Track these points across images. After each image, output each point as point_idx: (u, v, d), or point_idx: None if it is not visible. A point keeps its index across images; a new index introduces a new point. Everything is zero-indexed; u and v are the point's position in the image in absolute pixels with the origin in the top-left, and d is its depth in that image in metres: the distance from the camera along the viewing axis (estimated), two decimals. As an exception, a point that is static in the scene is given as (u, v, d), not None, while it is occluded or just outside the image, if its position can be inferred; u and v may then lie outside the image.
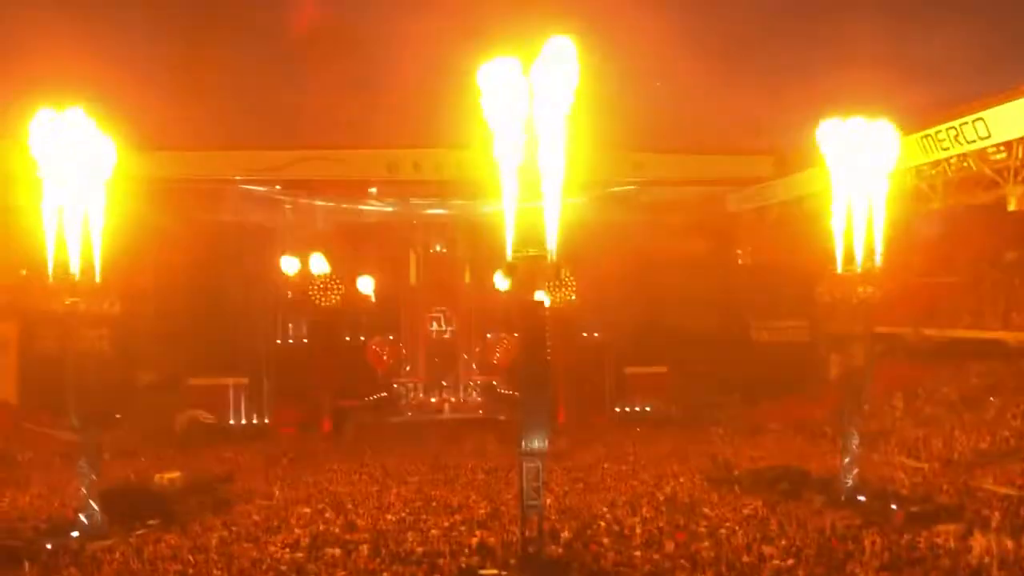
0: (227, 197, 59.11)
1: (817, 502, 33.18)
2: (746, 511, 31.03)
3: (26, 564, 25.78)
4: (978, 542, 24.73)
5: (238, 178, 58.28)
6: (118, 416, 43.06)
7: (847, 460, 34.19)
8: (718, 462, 42.36)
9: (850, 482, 34.01)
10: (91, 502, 31.42)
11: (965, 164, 43.94)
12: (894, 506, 31.44)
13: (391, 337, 64.14)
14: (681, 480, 37.81)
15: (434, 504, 33.99)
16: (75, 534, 30.67)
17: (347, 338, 63.17)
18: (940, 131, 42.11)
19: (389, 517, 31.45)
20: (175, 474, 37.17)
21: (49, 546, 29.10)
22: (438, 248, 65.20)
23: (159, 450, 47.11)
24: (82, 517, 31.22)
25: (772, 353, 60.42)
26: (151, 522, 31.95)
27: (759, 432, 51.20)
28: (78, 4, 57.05)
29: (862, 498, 33.37)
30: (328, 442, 53.26)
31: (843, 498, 33.69)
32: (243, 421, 58.78)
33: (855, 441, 34.25)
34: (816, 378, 53.40)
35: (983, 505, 29.47)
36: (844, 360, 34.72)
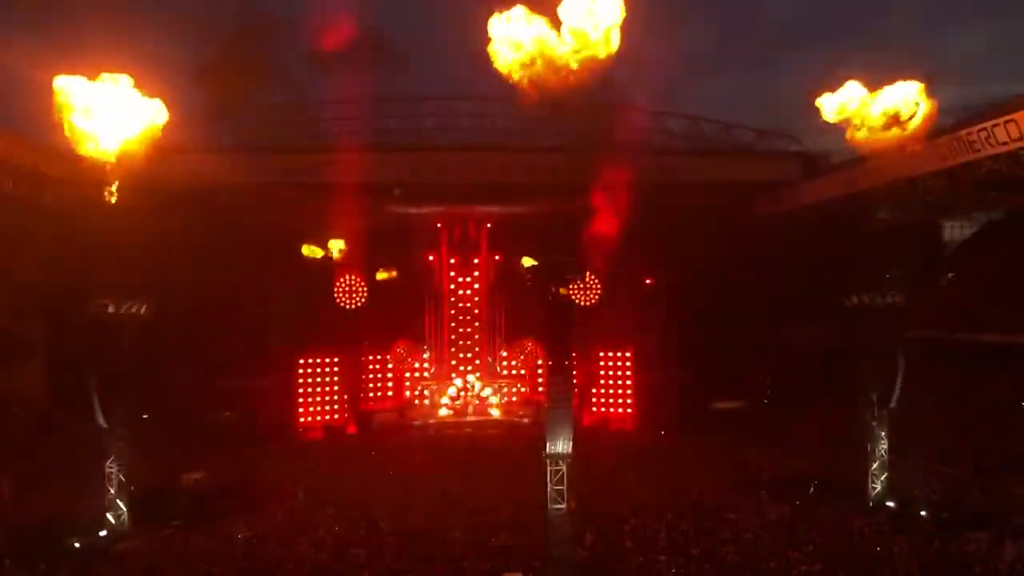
0: (254, 199, 59.40)
1: (845, 508, 32.84)
2: (772, 516, 30.78)
3: (55, 563, 26.01)
4: (1009, 550, 24.36)
5: (262, 180, 58.54)
6: (146, 416, 43.29)
7: (876, 465, 33.82)
8: (744, 467, 42.05)
9: (879, 488, 33.64)
10: (119, 502, 31.72)
11: (997, 167, 43.29)
12: (924, 512, 31.07)
13: (415, 340, 64.22)
14: (706, 485, 37.54)
15: (458, 506, 33.97)
16: (103, 533, 31.00)
17: (372, 340, 63.31)
18: (972, 132, 41.48)
19: (413, 519, 31.47)
20: (201, 474, 37.42)
21: (77, 545, 29.45)
22: (463, 250, 65.17)
23: (186, 450, 47.37)
24: (110, 516, 31.53)
25: (801, 357, 59.83)
26: (177, 522, 32.22)
27: (786, 437, 50.72)
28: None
29: (891, 504, 33.02)
30: (352, 444, 53.38)
31: (872, 504, 33.36)
32: (269, 423, 58.94)
33: (884, 446, 33.86)
34: (845, 382, 52.85)
35: (1015, 512, 29.01)
36: (874, 365, 34.31)
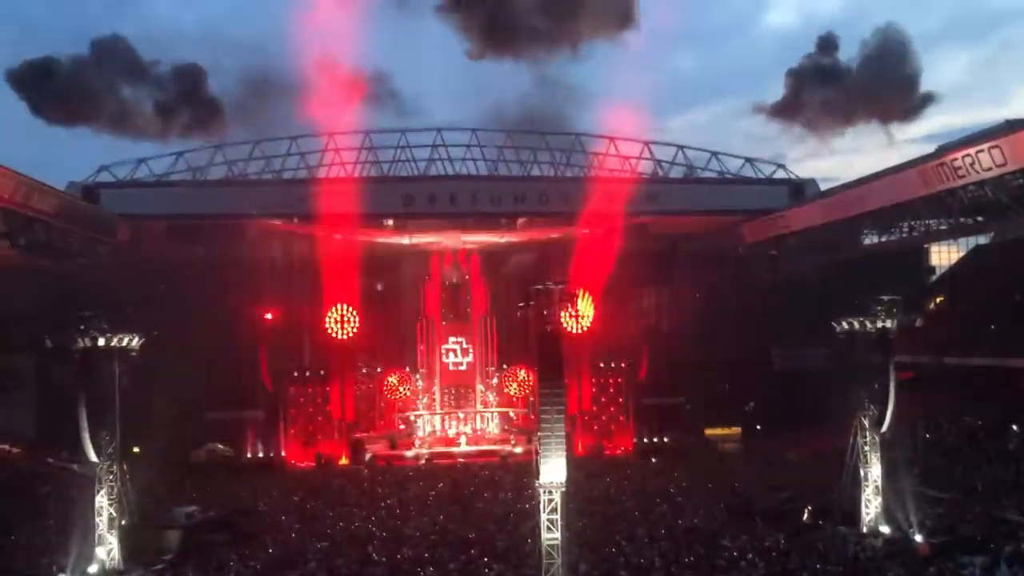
0: (245, 231, 59.60)
1: (839, 534, 32.76)
2: (767, 543, 30.65)
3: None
4: (1004, 574, 24.34)
5: (255, 212, 58.81)
6: (136, 450, 42.99)
7: (869, 490, 33.80)
8: (738, 493, 41.95)
9: (873, 513, 33.60)
10: (109, 536, 31.42)
11: (981, 192, 43.77)
12: (918, 537, 31.03)
13: (407, 369, 64.09)
14: (701, 512, 37.41)
15: (451, 537, 33.76)
16: (93, 569, 30.67)
17: (363, 370, 63.14)
18: (956, 159, 41.97)
19: (406, 551, 31.25)
20: (192, 508, 37.11)
21: (67, 581, 29.14)
22: (454, 279, 65.29)
23: (177, 483, 47.03)
24: (100, 552, 31.22)
25: (792, 382, 59.95)
26: (169, 556, 31.91)
27: (779, 462, 50.68)
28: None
29: (885, 529, 32.95)
30: (344, 475, 53.03)
31: (866, 529, 33.27)
32: (260, 454, 58.67)
33: (877, 471, 33.88)
34: (837, 407, 52.94)
35: (1009, 537, 28.98)
36: (865, 389, 34.41)
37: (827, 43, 65.08)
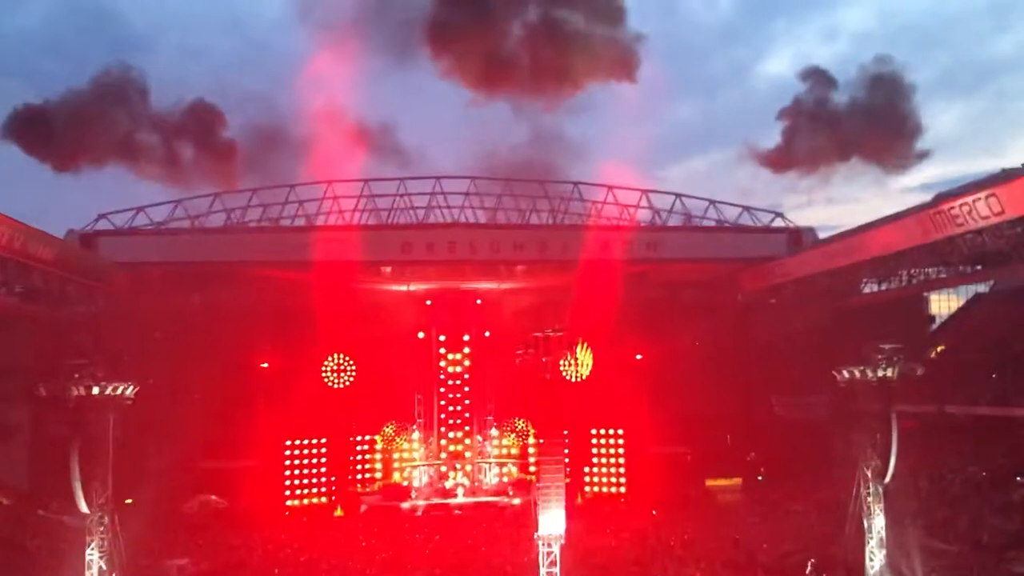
0: (243, 279, 59.51)
1: (844, 587, 32.22)
2: (771, 597, 30.11)
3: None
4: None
5: (253, 260, 58.82)
6: (128, 501, 42.41)
7: (873, 542, 33.29)
8: (740, 546, 41.36)
9: (877, 566, 33.04)
10: (99, 590, 30.84)
11: (980, 240, 43.79)
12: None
13: (404, 419, 63.49)
14: (702, 565, 36.82)
15: (449, 591, 33.18)
16: (81, 624, 30.04)
17: (360, 420, 62.58)
18: (954, 208, 42.04)
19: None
20: (185, 560, 36.51)
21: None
22: (453, 327, 64.99)
23: (170, 535, 46.33)
24: (90, 606, 30.60)
25: (793, 431, 59.52)
26: (159, 611, 31.30)
27: (781, 514, 50.04)
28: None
29: (891, 582, 32.41)
30: (340, 527, 52.29)
31: (871, 583, 32.72)
32: (254, 505, 57.87)
33: (881, 522, 33.39)
34: (839, 457, 52.46)
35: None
36: (867, 439, 34.05)
37: (820, 76, 65.37)
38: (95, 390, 31.14)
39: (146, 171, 62.96)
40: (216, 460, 58.08)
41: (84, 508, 31.05)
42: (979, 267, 50.41)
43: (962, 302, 62.97)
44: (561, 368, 27.69)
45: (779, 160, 66.93)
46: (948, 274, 51.46)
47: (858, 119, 61.42)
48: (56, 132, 58.50)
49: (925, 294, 61.87)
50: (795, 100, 65.33)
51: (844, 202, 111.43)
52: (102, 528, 31.22)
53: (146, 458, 56.02)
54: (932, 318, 65.55)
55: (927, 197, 46.07)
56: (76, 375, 31.09)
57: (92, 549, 30.97)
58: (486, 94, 63.03)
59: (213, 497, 56.53)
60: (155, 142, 61.19)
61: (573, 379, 57.91)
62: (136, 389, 32.37)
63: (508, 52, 60.68)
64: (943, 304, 64.55)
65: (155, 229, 60.56)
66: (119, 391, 31.74)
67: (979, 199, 40.55)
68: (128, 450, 33.67)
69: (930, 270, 52.15)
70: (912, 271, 53.18)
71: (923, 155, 63.34)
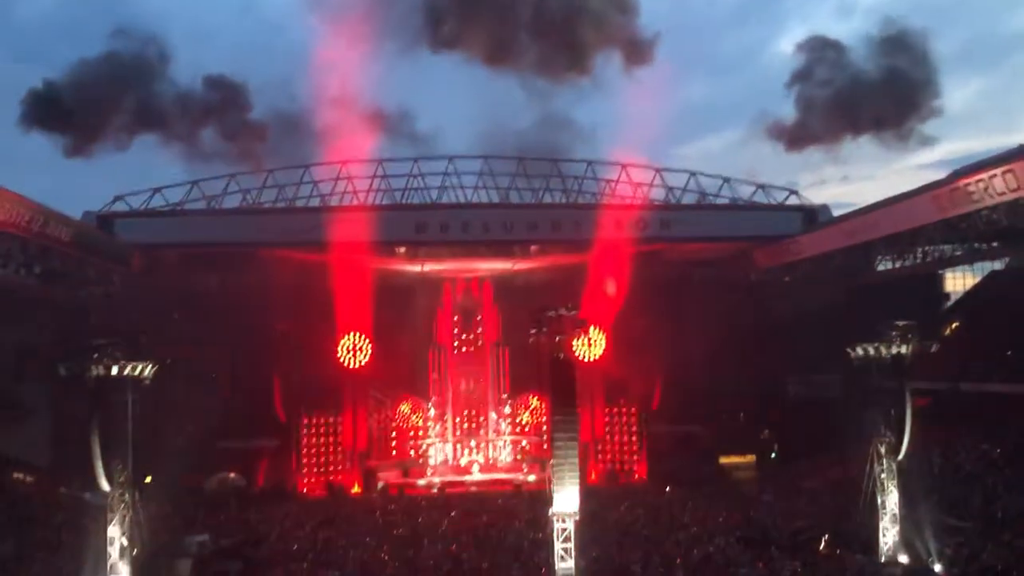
0: (257, 259, 59.85)
1: (857, 563, 32.35)
2: (784, 573, 30.28)
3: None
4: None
5: (269, 241, 59.17)
6: (148, 479, 42.97)
7: (887, 519, 33.41)
8: (754, 522, 41.53)
9: (890, 542, 33.19)
10: (121, 565, 31.35)
11: (996, 217, 43.54)
12: (937, 567, 30.61)
13: (419, 397, 63.91)
14: (716, 541, 37.02)
15: (465, 567, 33.54)
16: (105, 599, 30.60)
17: (376, 398, 62.99)
18: (970, 184, 41.77)
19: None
20: (204, 537, 36.99)
21: (78, 610, 29.07)
22: (467, 307, 65.23)
23: (188, 513, 46.95)
24: (112, 580, 31.15)
25: (807, 409, 59.56)
26: (180, 586, 31.81)
27: (795, 490, 50.18)
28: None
29: (903, 559, 32.53)
30: (357, 503, 52.81)
31: (884, 559, 32.86)
32: (272, 483, 58.60)
33: (895, 499, 33.50)
34: (852, 434, 52.52)
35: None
36: (881, 416, 34.12)
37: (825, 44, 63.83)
38: (114, 370, 31.54)
39: (169, 145, 62.67)
40: (235, 439, 58.78)
41: (105, 486, 31.54)
42: (995, 244, 50.14)
43: (977, 279, 62.71)
44: (574, 347, 27.81)
45: (793, 134, 66.11)
46: (963, 251, 51.19)
47: (871, 83, 59.99)
48: (76, 108, 58.20)
49: (940, 271, 61.65)
50: (805, 64, 63.83)
51: (859, 180, 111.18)
52: (123, 505, 31.71)
53: (165, 437, 56.75)
54: (947, 295, 65.33)
55: (943, 174, 45.76)
56: (95, 355, 31.48)
57: (113, 526, 31.48)
58: (496, 69, 62.40)
59: (232, 475, 57.17)
60: (179, 115, 60.59)
61: (587, 358, 58.39)
62: (154, 369, 32.76)
63: (519, 29, 60.13)
64: (958, 281, 64.32)
65: (171, 210, 60.96)
66: (138, 371, 32.13)
67: (995, 175, 40.27)
68: (147, 429, 34.07)
69: (945, 247, 51.90)
70: (927, 248, 52.96)
71: (936, 112, 61.84)
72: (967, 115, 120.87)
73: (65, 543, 36.31)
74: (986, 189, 41.04)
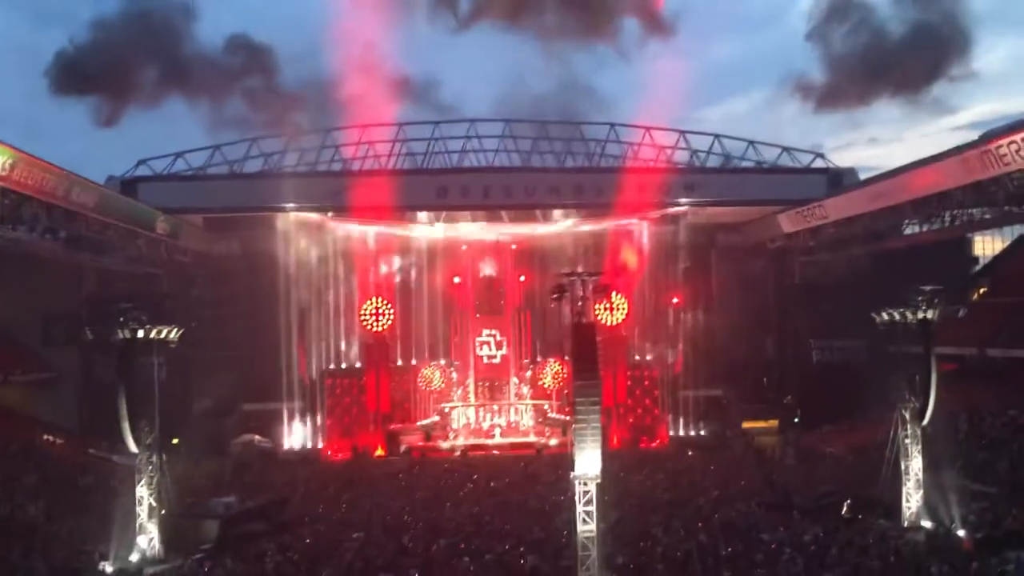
0: (277, 224, 60.00)
1: (880, 528, 32.30)
2: (806, 537, 30.27)
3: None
4: (1051, 570, 23.81)
5: (291, 205, 59.27)
6: (175, 441, 43.55)
7: (910, 484, 33.28)
8: (776, 487, 41.54)
9: (914, 507, 33.08)
10: (149, 526, 31.86)
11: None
12: (961, 532, 30.49)
13: (442, 361, 64.17)
14: (738, 505, 37.06)
15: (487, 529, 33.75)
16: (134, 558, 31.12)
17: (398, 362, 63.35)
18: (1001, 146, 40.95)
19: (441, 542, 31.29)
20: (230, 498, 37.50)
21: (109, 569, 29.57)
22: (488, 271, 65.20)
23: (215, 474, 47.61)
24: (141, 541, 31.66)
25: (831, 374, 59.27)
26: (207, 546, 32.26)
27: (818, 456, 50.13)
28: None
29: (927, 523, 32.42)
30: (380, 466, 53.34)
31: (907, 523, 32.77)
32: (297, 445, 59.29)
33: (918, 464, 33.34)
34: (877, 399, 52.27)
35: (1055, 531, 28.38)
36: (906, 381, 33.86)
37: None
38: (140, 333, 31.85)
39: (196, 108, 62.31)
40: (260, 402, 59.49)
41: (133, 448, 31.99)
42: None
43: (1007, 243, 61.79)
44: (596, 312, 27.68)
45: (819, 93, 64.80)
46: (993, 214, 50.35)
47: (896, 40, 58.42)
48: (104, 70, 57.78)
49: (968, 235, 60.77)
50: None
51: (886, 143, 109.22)
52: (151, 467, 32.17)
53: (191, 400, 57.52)
54: (975, 259, 64.47)
55: (973, 136, 44.87)
56: (121, 319, 31.79)
57: (142, 487, 31.96)
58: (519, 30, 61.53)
59: (257, 437, 57.90)
60: (207, 77, 60.07)
61: (609, 322, 58.33)
62: (180, 332, 33.04)
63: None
64: (987, 246, 63.41)
65: (194, 175, 61.12)
66: (163, 334, 32.44)
67: (1029, 137, 39.44)
68: (174, 392, 34.49)
69: (974, 211, 51.08)
70: (955, 212, 52.12)
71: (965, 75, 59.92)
72: (998, 77, 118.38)
73: (94, 504, 36.91)
74: (1018, 151, 40.16)
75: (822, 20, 60.83)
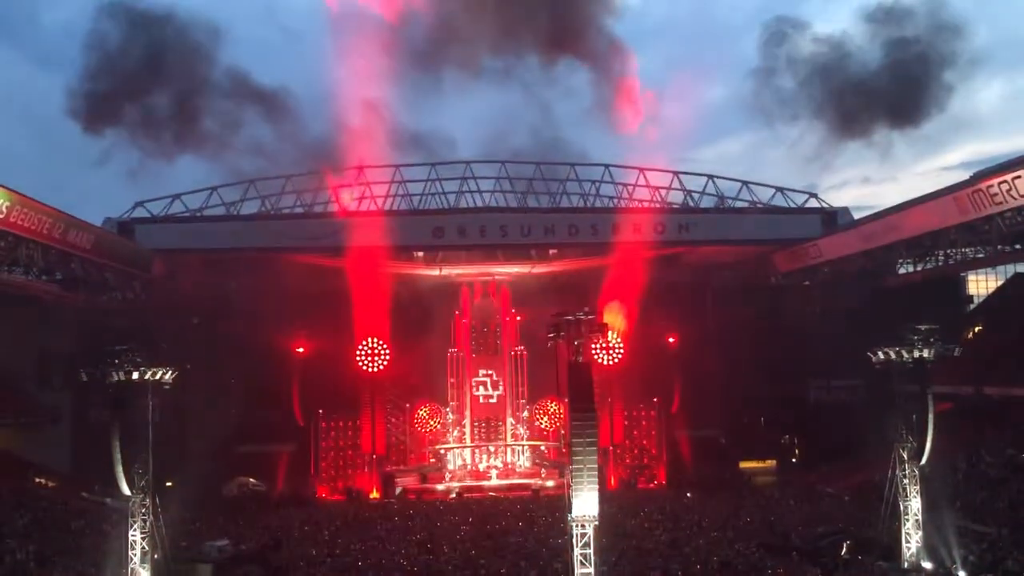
0: (275, 265, 60.06)
1: (880, 569, 32.05)
2: (805, 579, 30.03)
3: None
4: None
5: (287, 246, 59.35)
6: (168, 484, 43.18)
7: (909, 524, 33.06)
8: (775, 528, 41.24)
9: (913, 548, 32.84)
10: (142, 570, 31.48)
11: (1019, 219, 43.04)
12: (961, 573, 30.28)
13: (437, 402, 63.90)
14: (736, 547, 36.76)
15: (483, 572, 33.45)
16: (125, 603, 30.72)
17: (393, 404, 63.06)
18: (992, 186, 41.33)
19: (437, 585, 31.00)
20: (224, 541, 37.12)
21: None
22: (484, 311, 65.23)
23: (209, 517, 47.12)
24: (132, 585, 31.28)
25: (828, 414, 59.12)
26: (200, 590, 31.90)
27: (816, 496, 49.81)
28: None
29: (927, 564, 32.18)
30: (375, 508, 52.88)
31: (907, 564, 32.52)
32: (291, 488, 58.78)
33: (917, 505, 33.15)
34: (874, 439, 52.08)
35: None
36: (903, 421, 33.78)
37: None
38: (135, 375, 31.72)
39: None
40: (253, 443, 59.05)
41: (126, 490, 31.70)
42: (1018, 246, 49.55)
43: (1000, 282, 62.03)
44: (593, 351, 27.65)
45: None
46: (986, 253, 50.64)
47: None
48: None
49: (962, 274, 61.07)
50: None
51: (880, 182, 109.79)
52: (144, 510, 31.85)
53: (185, 442, 57.07)
54: (969, 298, 64.68)
55: (965, 176, 45.33)
56: (116, 360, 31.67)
57: (134, 530, 31.62)
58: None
59: (251, 480, 57.43)
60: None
61: (605, 362, 58.22)
62: (174, 374, 32.91)
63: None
64: (980, 284, 63.69)
65: (191, 216, 61.25)
66: (158, 376, 32.30)
67: (1019, 177, 39.79)
68: (168, 434, 34.24)
69: (967, 250, 51.39)
70: (949, 251, 52.42)
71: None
72: (990, 116, 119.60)
73: (86, 548, 36.48)
74: (1009, 191, 40.57)
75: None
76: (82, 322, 55.98)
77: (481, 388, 64.27)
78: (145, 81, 55.20)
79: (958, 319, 59.52)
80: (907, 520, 33.12)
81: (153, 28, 54.18)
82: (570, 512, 24.82)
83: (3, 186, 38.08)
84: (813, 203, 64.13)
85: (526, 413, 63.79)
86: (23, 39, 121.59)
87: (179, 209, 61.47)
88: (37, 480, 47.39)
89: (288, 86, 58.94)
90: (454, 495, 56.34)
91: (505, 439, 63.06)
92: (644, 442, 61.08)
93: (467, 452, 62.63)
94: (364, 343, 59.85)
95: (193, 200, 61.73)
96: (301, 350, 61.19)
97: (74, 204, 46.52)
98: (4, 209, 38.43)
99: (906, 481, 33.39)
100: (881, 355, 34.37)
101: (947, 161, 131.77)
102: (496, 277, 65.45)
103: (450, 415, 63.67)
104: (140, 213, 60.37)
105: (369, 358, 59.64)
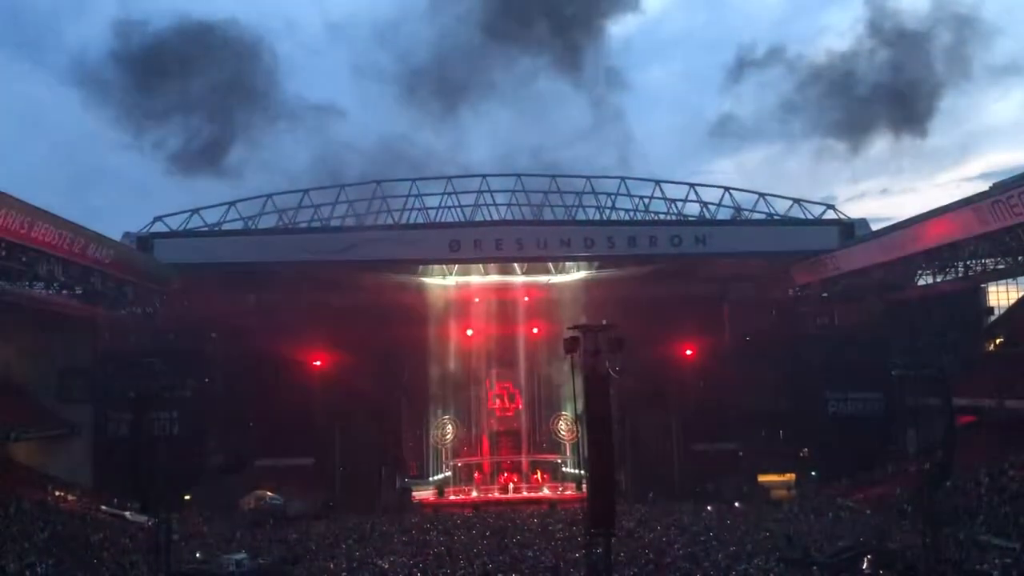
0: (293, 279, 60.36)
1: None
2: (826, 594, 29.72)
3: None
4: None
5: (306, 260, 59.63)
6: (187, 497, 43.38)
7: (930, 539, 32.71)
8: (794, 542, 40.87)
9: (935, 563, 32.46)
10: (159, 584, 31.61)
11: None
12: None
13: (456, 415, 63.91)
14: (756, 561, 36.45)
15: (501, 586, 33.30)
16: (144, 616, 30.81)
17: (412, 416, 63.13)
18: (1012, 197, 41.01)
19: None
20: (241, 555, 37.17)
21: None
22: (501, 324, 65.24)
23: (226, 531, 47.21)
24: (151, 599, 31.37)
25: (847, 427, 58.61)
26: (218, 605, 31.95)
27: (836, 510, 49.36)
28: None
29: (950, 580, 31.80)
30: (393, 522, 52.81)
31: (928, 580, 32.14)
32: (309, 501, 58.79)
33: (939, 519, 32.80)
34: (895, 452, 51.56)
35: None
36: (924, 434, 33.49)
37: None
38: (154, 389, 31.96)
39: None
40: (271, 457, 59.13)
41: (145, 504, 31.87)
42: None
43: (1021, 293, 61.41)
44: (609, 363, 27.62)
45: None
46: (1006, 264, 50.19)
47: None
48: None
49: (983, 285, 60.51)
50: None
51: (899, 193, 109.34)
52: (162, 524, 31.99)
53: (205, 455, 57.34)
54: (990, 310, 64.06)
55: (985, 186, 45.03)
56: (136, 374, 31.94)
57: (152, 544, 31.76)
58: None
59: (269, 493, 57.51)
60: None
61: (622, 375, 57.99)
62: (194, 387, 33.13)
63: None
64: (1001, 296, 63.09)
65: (209, 231, 61.70)
66: (177, 390, 32.52)
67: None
68: (187, 448, 34.42)
69: (988, 261, 50.96)
70: (969, 262, 52.01)
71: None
72: (1011, 127, 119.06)
73: (105, 561, 36.62)
74: (1030, 201, 40.27)
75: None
76: (102, 337, 56.46)
77: (498, 401, 64.21)
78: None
79: (979, 331, 58.95)
80: (929, 535, 32.77)
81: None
82: (587, 526, 24.73)
83: (24, 202, 38.50)
84: (831, 215, 63.89)
85: (543, 426, 63.65)
86: (44, 54, 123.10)
87: (197, 223, 61.97)
88: (57, 494, 47.58)
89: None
90: (471, 508, 56.24)
91: (522, 452, 62.92)
92: (661, 455, 60.72)
93: (484, 465, 62.53)
94: (382, 356, 59.96)
95: (211, 215, 62.30)
96: (319, 363, 61.26)
97: (91, 219, 47.06)
98: (26, 225, 38.83)
99: (927, 494, 33.06)
100: (901, 368, 34.13)
101: (966, 172, 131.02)
102: (513, 290, 65.46)
103: (467, 428, 63.62)
104: (159, 228, 60.89)
105: (388, 371, 59.75)
